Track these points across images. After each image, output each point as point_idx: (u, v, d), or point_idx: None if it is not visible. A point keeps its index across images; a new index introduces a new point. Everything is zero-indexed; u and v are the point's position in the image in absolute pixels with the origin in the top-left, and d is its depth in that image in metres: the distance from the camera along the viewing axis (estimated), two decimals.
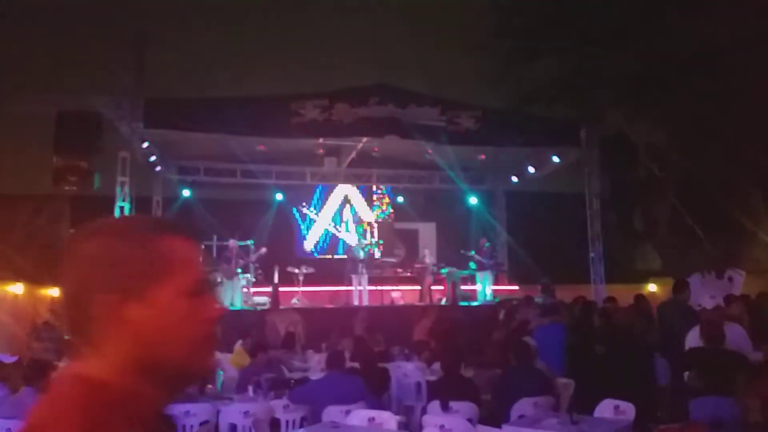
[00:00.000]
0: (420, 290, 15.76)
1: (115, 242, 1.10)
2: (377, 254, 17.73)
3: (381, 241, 18.46)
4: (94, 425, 1.00)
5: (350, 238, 18.24)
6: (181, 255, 1.14)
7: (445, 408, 6.08)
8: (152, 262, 1.10)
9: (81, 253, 1.11)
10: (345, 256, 17.11)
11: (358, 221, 18.60)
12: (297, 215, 18.25)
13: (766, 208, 15.30)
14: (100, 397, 1.05)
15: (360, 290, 15.19)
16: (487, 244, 15.68)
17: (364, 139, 14.53)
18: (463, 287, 15.72)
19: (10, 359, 8.61)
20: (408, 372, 9.02)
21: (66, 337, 10.98)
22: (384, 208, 18.94)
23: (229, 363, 9.52)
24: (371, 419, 5.81)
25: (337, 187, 18.48)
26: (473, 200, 18.50)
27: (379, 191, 18.86)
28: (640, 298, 10.91)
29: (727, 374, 5.95)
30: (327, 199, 18.55)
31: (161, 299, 1.09)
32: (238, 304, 14.14)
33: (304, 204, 18.31)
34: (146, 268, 1.10)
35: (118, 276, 1.08)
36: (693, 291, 9.66)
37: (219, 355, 10.25)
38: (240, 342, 9.94)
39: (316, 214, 18.43)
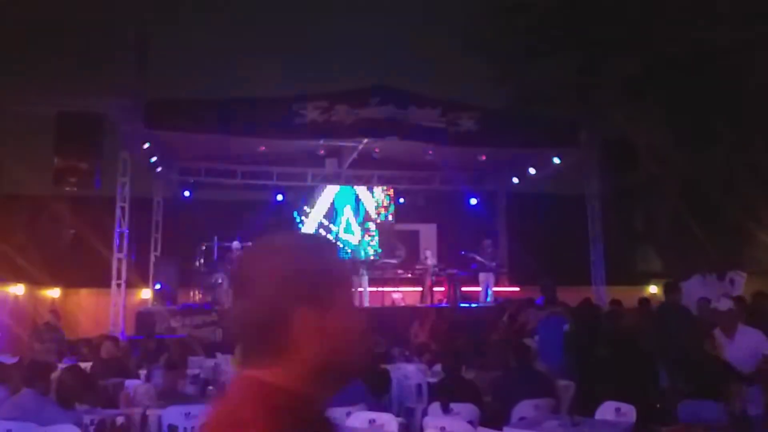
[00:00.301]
0: (421, 291, 15.76)
1: (303, 258, 1.23)
2: (375, 255, 17.77)
3: (377, 246, 18.44)
4: (277, 429, 1.11)
5: (351, 238, 18.27)
6: (345, 266, 1.30)
7: (445, 410, 6.08)
8: (333, 274, 1.24)
9: (272, 270, 1.21)
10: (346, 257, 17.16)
11: (360, 222, 18.62)
12: (297, 217, 18.25)
13: (766, 207, 15.32)
14: (282, 402, 1.16)
15: (361, 291, 15.23)
16: (489, 246, 15.68)
17: (365, 140, 14.52)
18: (464, 288, 15.72)
19: (10, 360, 8.62)
20: (409, 374, 9.02)
21: (67, 339, 10.99)
22: (385, 208, 18.93)
23: (230, 364, 9.55)
24: (372, 421, 5.77)
25: (336, 188, 18.48)
26: (474, 201, 18.50)
27: (384, 193, 18.85)
28: (644, 302, 10.91)
29: (710, 379, 6.00)
30: (326, 199, 18.55)
31: (341, 307, 1.22)
32: None
33: (304, 206, 18.32)
34: (330, 280, 1.23)
35: (311, 289, 1.20)
36: (693, 292, 9.68)
37: (220, 357, 10.32)
38: None
39: (315, 214, 18.44)
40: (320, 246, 1.29)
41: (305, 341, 1.18)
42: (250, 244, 1.27)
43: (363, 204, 18.66)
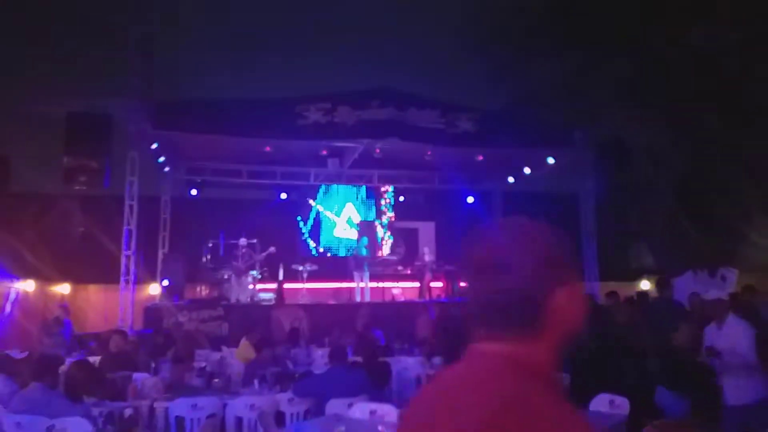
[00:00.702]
0: (419, 287, 16.02)
1: (555, 240, 1.33)
2: (385, 251, 18.06)
3: (382, 238, 18.73)
4: (558, 399, 1.22)
5: (352, 235, 18.55)
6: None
7: None
8: (570, 254, 1.35)
9: (536, 252, 1.30)
10: (347, 254, 17.48)
11: (361, 219, 18.88)
12: (300, 215, 18.52)
13: (759, 207, 15.45)
14: (544, 374, 1.26)
15: (362, 287, 15.52)
16: None
17: (366, 141, 14.78)
18: (461, 283, 15.97)
19: (20, 355, 8.75)
20: (408, 366, 9.23)
21: (76, 333, 11.09)
22: (385, 207, 19.20)
23: (235, 357, 9.77)
24: (373, 412, 5.87)
25: (340, 187, 18.74)
26: (471, 200, 18.73)
27: (384, 192, 19.10)
28: (642, 295, 11.07)
29: (673, 371, 6.20)
30: (328, 198, 18.82)
31: (577, 282, 1.33)
32: (245, 300, 14.44)
33: (309, 199, 18.57)
34: (570, 259, 1.34)
35: (562, 269, 1.30)
36: (684, 288, 9.89)
37: (226, 350, 10.55)
38: (245, 337, 10.19)
39: (321, 211, 18.71)
40: (557, 230, 1.35)
41: (558, 316, 1.27)
42: (485, 229, 1.41)
43: (364, 202, 18.93)
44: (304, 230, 18.59)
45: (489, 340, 1.29)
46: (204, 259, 15.67)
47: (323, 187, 18.65)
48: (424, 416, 1.29)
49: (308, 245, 18.48)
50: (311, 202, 18.71)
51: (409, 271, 16.62)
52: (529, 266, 1.27)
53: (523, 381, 1.22)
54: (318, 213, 18.75)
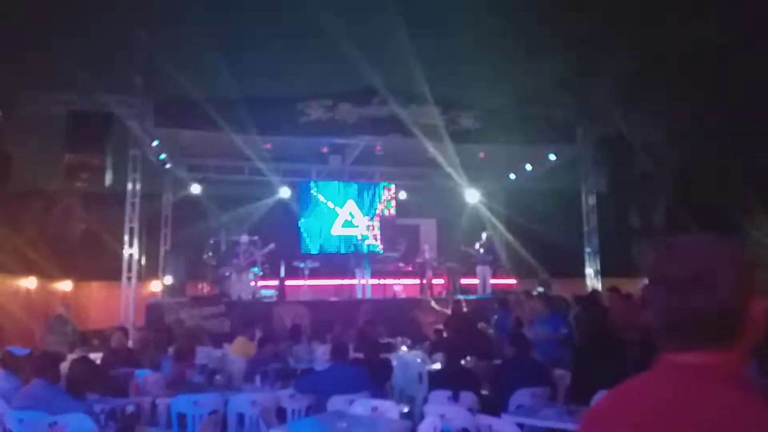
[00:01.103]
0: (420, 283, 16.05)
1: (744, 254, 1.37)
2: (380, 249, 18.07)
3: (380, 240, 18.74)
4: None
5: (353, 232, 18.56)
6: None
7: (456, 398, 6.20)
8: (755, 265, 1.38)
9: (736, 266, 1.34)
10: (349, 251, 17.50)
11: (363, 216, 18.89)
12: (301, 212, 18.52)
13: (759, 204, 15.49)
14: (746, 383, 1.32)
15: (363, 284, 15.55)
16: (486, 240, 15.95)
17: (367, 138, 14.79)
18: (462, 281, 16.02)
19: (23, 351, 8.77)
20: (409, 362, 9.25)
21: (78, 330, 11.08)
22: (386, 204, 19.19)
23: (231, 353, 9.79)
24: (374, 408, 5.86)
25: (342, 184, 18.75)
26: (472, 197, 18.74)
27: (386, 190, 19.10)
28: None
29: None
30: (330, 195, 18.82)
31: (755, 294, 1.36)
32: (246, 297, 14.47)
33: (308, 202, 18.56)
34: (753, 271, 1.37)
35: (753, 282, 1.35)
36: None
37: (227, 347, 10.56)
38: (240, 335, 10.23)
39: (323, 201, 18.72)
40: (743, 243, 1.40)
41: (751, 326, 1.32)
42: (666, 242, 1.43)
43: (366, 199, 18.94)
44: (303, 228, 18.58)
45: (684, 351, 1.35)
46: (205, 256, 15.68)
47: (324, 182, 18.65)
48: (626, 429, 1.35)
49: (308, 242, 18.47)
50: (316, 194, 18.66)
51: (410, 268, 16.65)
52: (733, 282, 1.32)
53: (733, 391, 1.28)
54: (319, 206, 18.67)
